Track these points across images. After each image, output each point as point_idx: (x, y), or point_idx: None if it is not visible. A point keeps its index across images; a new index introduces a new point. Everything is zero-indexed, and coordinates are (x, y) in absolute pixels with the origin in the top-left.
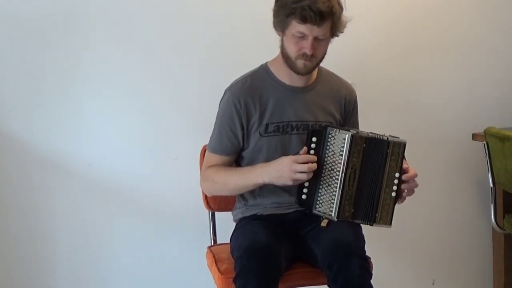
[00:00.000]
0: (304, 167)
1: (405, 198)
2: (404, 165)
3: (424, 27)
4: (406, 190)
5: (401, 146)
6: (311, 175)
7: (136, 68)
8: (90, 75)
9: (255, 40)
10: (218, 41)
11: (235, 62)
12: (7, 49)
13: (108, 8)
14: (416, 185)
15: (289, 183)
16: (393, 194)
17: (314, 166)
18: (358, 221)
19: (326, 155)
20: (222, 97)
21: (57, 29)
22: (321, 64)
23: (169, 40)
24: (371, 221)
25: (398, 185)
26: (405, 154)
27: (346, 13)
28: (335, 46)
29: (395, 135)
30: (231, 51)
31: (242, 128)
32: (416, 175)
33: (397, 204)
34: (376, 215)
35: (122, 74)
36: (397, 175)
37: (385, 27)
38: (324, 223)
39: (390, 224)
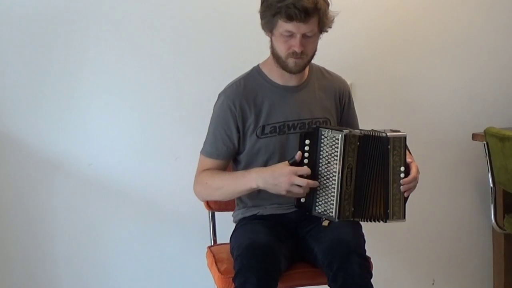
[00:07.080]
0: (303, 182)
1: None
2: (408, 159)
3: (424, 26)
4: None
5: (402, 140)
6: (307, 190)
7: (136, 68)
8: (91, 76)
9: (256, 40)
10: (218, 42)
11: (235, 62)
12: (8, 49)
13: (109, 9)
14: (416, 183)
15: (283, 193)
16: (402, 188)
17: (314, 184)
18: (359, 219)
19: (321, 156)
20: (216, 101)
21: (59, 30)
22: (318, 62)
23: (170, 41)
24: (384, 218)
25: (405, 178)
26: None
27: (343, 11)
28: (335, 45)
29: (395, 129)
30: (231, 51)
31: (238, 131)
32: (415, 178)
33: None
34: (388, 211)
35: (122, 74)
36: (402, 169)
37: (384, 27)
38: (325, 223)
39: (404, 217)
